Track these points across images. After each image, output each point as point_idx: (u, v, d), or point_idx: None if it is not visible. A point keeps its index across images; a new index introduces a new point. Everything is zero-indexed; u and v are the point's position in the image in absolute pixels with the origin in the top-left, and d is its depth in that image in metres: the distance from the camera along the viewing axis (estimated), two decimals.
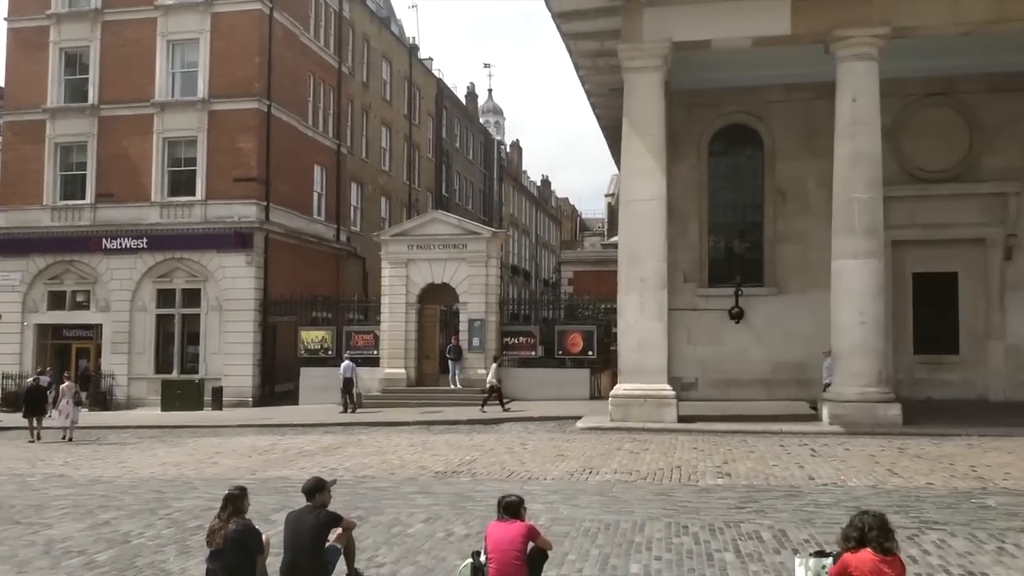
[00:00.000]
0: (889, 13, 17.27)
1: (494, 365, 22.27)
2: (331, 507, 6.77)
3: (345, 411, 22.20)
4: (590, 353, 24.50)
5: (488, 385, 21.84)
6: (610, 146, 28.47)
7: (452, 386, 24.13)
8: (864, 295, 17.24)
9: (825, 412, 17.23)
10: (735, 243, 23.78)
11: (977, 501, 9.89)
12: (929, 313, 22.57)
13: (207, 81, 27.07)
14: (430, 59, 46.96)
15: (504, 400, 21.73)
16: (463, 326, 24.58)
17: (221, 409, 24.56)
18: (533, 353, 24.95)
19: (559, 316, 27.47)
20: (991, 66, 21.35)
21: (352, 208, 34.86)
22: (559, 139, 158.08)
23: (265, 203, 26.97)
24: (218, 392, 25.07)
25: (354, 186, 34.97)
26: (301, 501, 6.83)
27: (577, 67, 21.93)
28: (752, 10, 17.77)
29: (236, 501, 6.56)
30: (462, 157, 50.43)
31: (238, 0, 27.15)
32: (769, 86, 22.76)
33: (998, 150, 22.22)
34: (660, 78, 18.54)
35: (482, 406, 21.35)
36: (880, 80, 17.71)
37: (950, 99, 22.47)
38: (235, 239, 26.38)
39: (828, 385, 18.66)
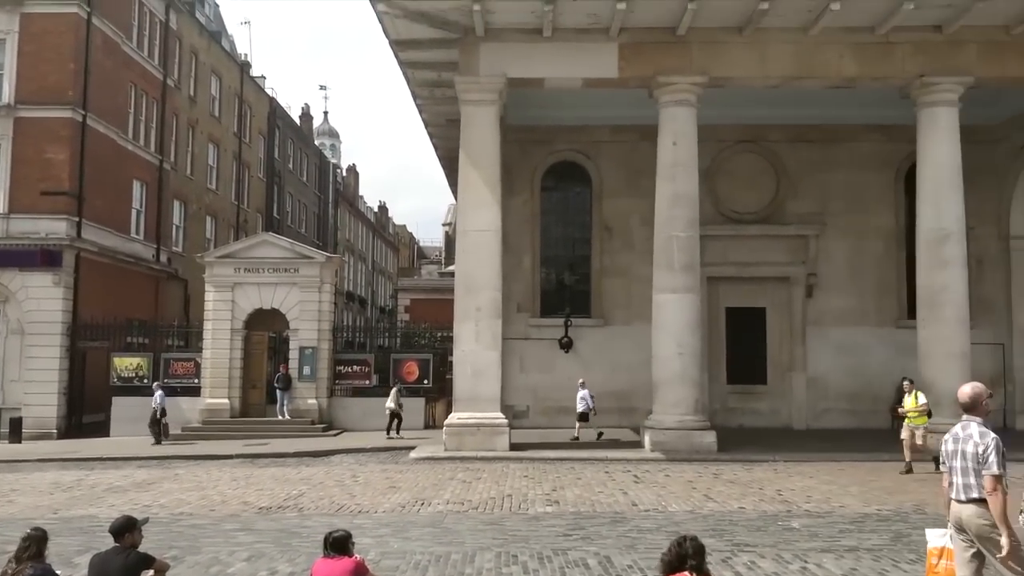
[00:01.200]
0: (707, 63, 18.57)
1: (394, 390, 21.78)
2: (143, 547, 6.29)
3: (158, 443, 20.92)
4: (426, 382, 24.42)
5: (388, 411, 21.36)
6: (448, 175, 28.75)
7: (280, 417, 23.27)
8: (683, 328, 18.23)
9: (647, 439, 18.01)
10: (565, 275, 24.62)
11: (783, 523, 10.60)
12: (741, 345, 24.24)
13: (13, 85, 24.93)
14: (263, 77, 45.65)
15: (398, 428, 21.37)
16: (293, 354, 23.81)
17: (20, 442, 22.42)
18: (367, 382, 24.53)
19: (395, 344, 27.24)
20: (795, 118, 23.44)
21: (174, 227, 33.06)
22: (398, 164, 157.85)
23: (77, 219, 25.06)
24: (17, 423, 22.87)
25: (177, 204, 33.20)
26: (109, 542, 6.29)
27: (415, 95, 22.06)
28: (583, 53, 18.58)
29: (36, 543, 5.97)
30: (296, 179, 49.19)
31: (52, 1, 25.29)
32: (598, 126, 23.86)
33: (801, 196, 24.34)
34: (496, 112, 18.96)
35: (388, 432, 21.04)
36: (699, 126, 18.94)
37: (760, 147, 24.43)
38: (41, 257, 24.29)
39: (583, 414, 19.88)
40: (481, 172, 18.71)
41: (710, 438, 17.77)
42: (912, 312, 20.38)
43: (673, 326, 18.29)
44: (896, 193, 24.19)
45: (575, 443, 19.36)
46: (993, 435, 5.45)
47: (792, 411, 23.88)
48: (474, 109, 18.86)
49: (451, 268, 34.10)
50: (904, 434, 15.54)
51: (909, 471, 15.01)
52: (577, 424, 20.24)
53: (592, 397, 20.37)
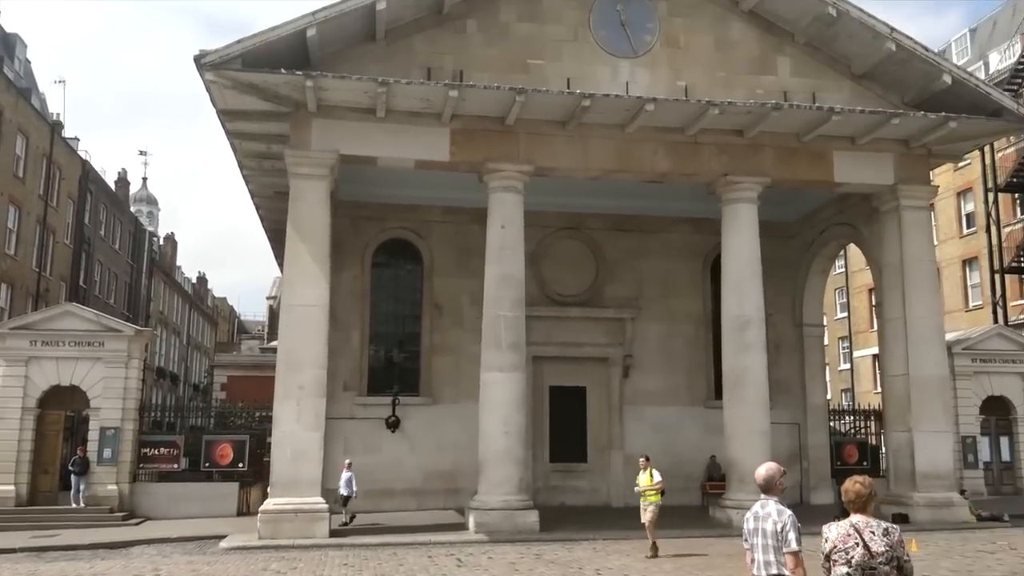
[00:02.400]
0: (533, 153, 19.41)
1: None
2: None
3: None
4: (241, 465, 23.05)
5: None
6: (273, 248, 28.01)
7: (74, 504, 21.15)
8: (509, 406, 18.45)
9: (471, 520, 17.87)
10: (395, 353, 24.38)
11: None
12: (564, 424, 24.79)
13: None
14: (76, 139, 42.99)
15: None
16: (93, 435, 21.84)
17: None
18: (175, 465, 22.84)
19: (209, 424, 25.70)
20: (614, 208, 24.85)
21: None
22: (221, 233, 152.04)
23: None
24: None
25: None
26: None
27: (241, 166, 21.51)
28: (416, 135, 18.93)
29: None
30: (107, 247, 46.18)
31: None
32: (430, 206, 24.21)
33: (618, 281, 25.62)
34: (327, 187, 18.82)
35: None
36: (526, 211, 19.63)
37: (581, 233, 25.60)
38: None
39: (347, 498, 19.56)
40: (309, 246, 18.39)
41: (533, 518, 17.88)
42: (719, 392, 21.66)
43: (500, 404, 18.47)
44: (704, 281, 25.99)
45: (398, 527, 18.86)
46: (789, 512, 5.77)
47: (611, 489, 24.52)
48: (304, 183, 18.63)
49: (274, 344, 32.89)
50: (645, 517, 14.99)
51: (655, 555, 14.63)
52: (343, 510, 19.60)
53: (354, 479, 19.83)
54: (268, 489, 18.18)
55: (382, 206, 24.08)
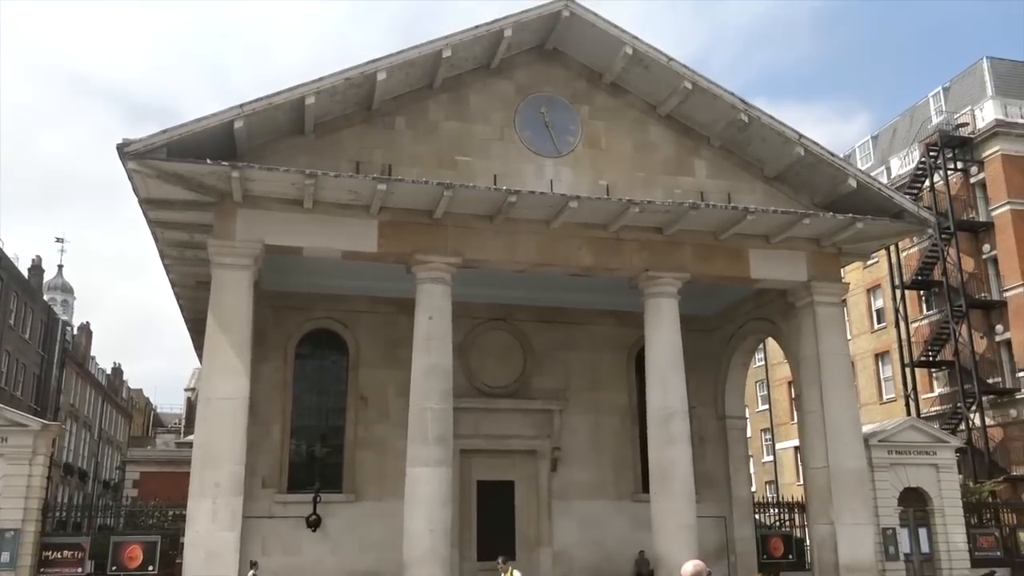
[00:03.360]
0: (461, 246, 19.63)
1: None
2: None
3: None
4: (151, 568, 21.67)
5: None
6: (193, 338, 27.32)
7: None
8: (434, 503, 18.03)
9: None
10: (317, 447, 23.66)
11: None
12: (492, 520, 24.28)
13: None
14: None
15: None
16: None
17: None
18: (79, 569, 21.40)
19: (119, 524, 24.34)
20: (542, 300, 25.15)
21: None
22: (139, 323, 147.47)
23: None
24: None
25: None
26: None
27: (163, 255, 21.13)
28: (343, 226, 18.98)
29: None
30: (16, 336, 44.31)
31: None
32: (356, 296, 24.06)
33: (546, 372, 25.70)
34: (250, 277, 18.59)
35: None
36: (454, 302, 19.71)
37: (509, 325, 25.74)
38: None
39: None
40: (230, 337, 18.00)
41: None
42: (646, 485, 21.67)
43: (425, 501, 18.04)
44: (629, 373, 26.26)
45: None
46: None
47: None
48: (227, 273, 18.37)
49: (190, 438, 31.68)
50: None
51: None
52: None
53: None
54: None
55: (307, 296, 23.84)
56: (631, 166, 21.18)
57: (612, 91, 21.62)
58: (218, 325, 18.11)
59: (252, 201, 18.45)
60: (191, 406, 50.36)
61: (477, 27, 19.42)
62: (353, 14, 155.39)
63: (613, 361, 26.29)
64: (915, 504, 27.81)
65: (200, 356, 22.80)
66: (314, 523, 22.25)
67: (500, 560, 15.02)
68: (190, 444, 26.32)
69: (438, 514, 18.02)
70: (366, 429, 23.70)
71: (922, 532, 27.81)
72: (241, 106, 17.42)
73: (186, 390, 59.48)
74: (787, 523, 28.99)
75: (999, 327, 33.17)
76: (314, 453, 23.53)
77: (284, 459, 23.10)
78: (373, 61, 18.51)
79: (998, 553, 28.64)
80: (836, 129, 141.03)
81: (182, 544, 19.82)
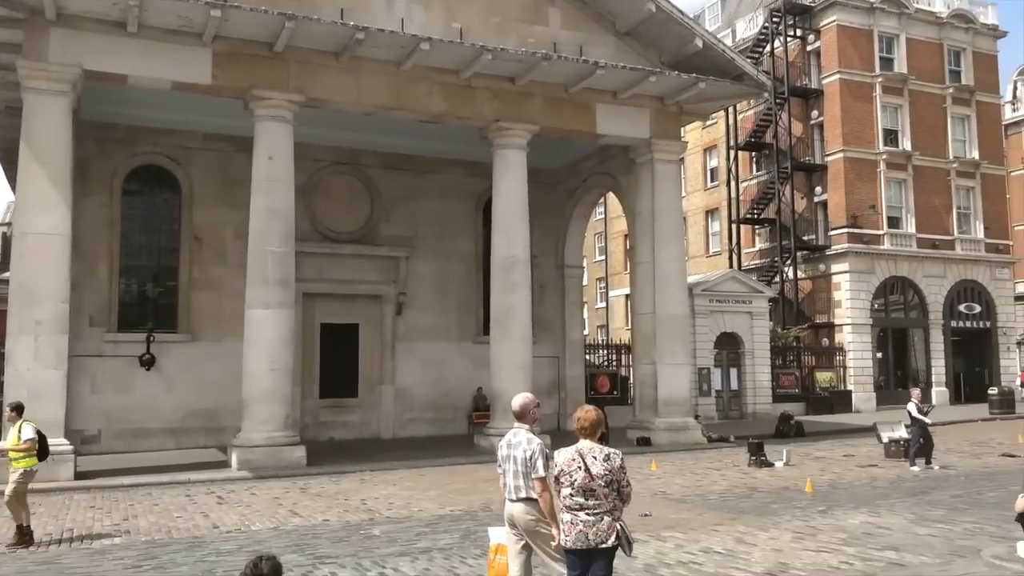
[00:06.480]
0: (304, 82, 18.70)
1: None
2: None
3: None
4: None
5: None
6: (6, 170, 25.04)
7: None
8: (275, 344, 18.02)
9: (234, 458, 17.42)
10: (149, 287, 22.81)
11: (365, 532, 10.98)
12: (335, 360, 24.65)
13: None
14: None
15: None
16: None
17: None
18: None
19: None
20: (390, 146, 24.69)
21: None
22: None
23: None
24: None
25: None
26: None
27: None
28: (173, 54, 17.54)
29: None
30: None
31: None
32: (190, 131, 22.71)
33: (393, 219, 25.61)
34: (68, 104, 17.03)
35: None
36: (296, 143, 18.97)
37: (356, 170, 25.22)
38: None
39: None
40: (47, 169, 16.61)
41: (300, 453, 17.77)
42: (487, 329, 22.55)
43: (266, 342, 17.98)
44: (476, 222, 26.64)
45: (154, 468, 17.97)
46: (539, 441, 6.15)
47: (381, 422, 24.91)
48: (40, 99, 16.71)
49: (7, 275, 29.59)
50: (8, 489, 10.61)
51: (21, 542, 10.33)
52: None
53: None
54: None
55: (135, 128, 22.22)
56: (486, 10, 20.58)
57: None
58: (32, 155, 16.62)
59: (68, 20, 16.63)
60: (6, 242, 46.70)
61: None
62: None
63: (461, 210, 26.50)
64: (729, 347, 30.66)
65: (14, 188, 21.00)
66: (148, 362, 21.81)
67: (9, 409, 11.39)
68: (6, 282, 24.68)
69: (279, 354, 18.06)
70: (202, 271, 23.01)
71: (733, 372, 30.87)
72: None
73: (0, 224, 54.87)
74: (614, 363, 31.27)
75: (818, 189, 35.72)
76: (146, 293, 22.71)
77: (113, 298, 22.20)
78: None
79: (796, 390, 32.33)
80: None
81: (1, 383, 18.97)
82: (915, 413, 16.40)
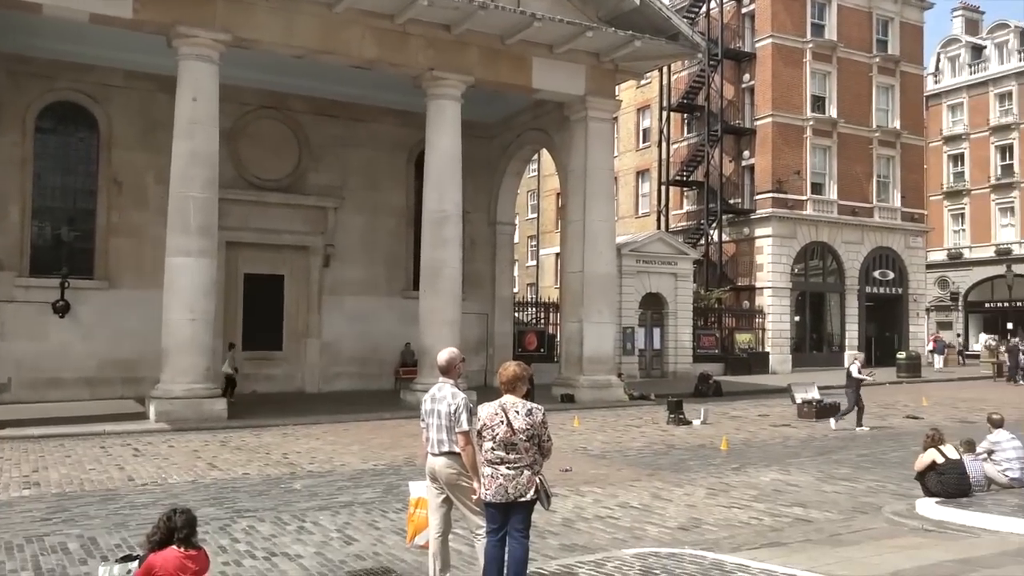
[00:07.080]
0: (231, 21, 17.98)
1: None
2: None
3: None
4: None
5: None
6: None
7: None
8: (196, 293, 17.54)
9: (152, 410, 17.03)
10: (64, 231, 21.91)
11: (285, 486, 10.90)
12: (259, 312, 24.17)
13: None
14: None
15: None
16: None
17: None
18: None
19: None
20: (320, 91, 24.04)
21: None
22: None
23: None
24: None
25: None
26: None
27: None
28: None
29: None
30: None
31: None
32: (110, 68, 21.69)
33: (322, 168, 25.06)
34: None
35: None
36: (222, 85, 18.29)
37: (283, 115, 24.51)
38: None
39: None
40: None
41: (220, 405, 17.46)
42: (416, 284, 22.37)
43: (186, 290, 17.49)
44: (408, 175, 26.26)
45: (67, 418, 17.45)
46: (463, 396, 6.15)
47: (306, 376, 24.64)
48: None
49: None
50: None
51: None
52: None
53: None
54: None
55: (51, 63, 21.08)
56: None
57: None
58: None
59: None
60: None
61: None
62: None
63: (393, 161, 26.08)
64: (653, 308, 31.20)
65: None
66: (62, 309, 21.03)
67: None
68: None
69: (200, 304, 17.60)
70: (121, 215, 22.18)
71: (656, 331, 31.47)
72: None
73: None
74: (543, 321, 31.49)
75: (747, 153, 36.33)
76: (60, 237, 21.81)
77: (25, 241, 21.26)
78: None
79: (716, 351, 33.18)
80: None
81: None
82: (855, 374, 17.03)
